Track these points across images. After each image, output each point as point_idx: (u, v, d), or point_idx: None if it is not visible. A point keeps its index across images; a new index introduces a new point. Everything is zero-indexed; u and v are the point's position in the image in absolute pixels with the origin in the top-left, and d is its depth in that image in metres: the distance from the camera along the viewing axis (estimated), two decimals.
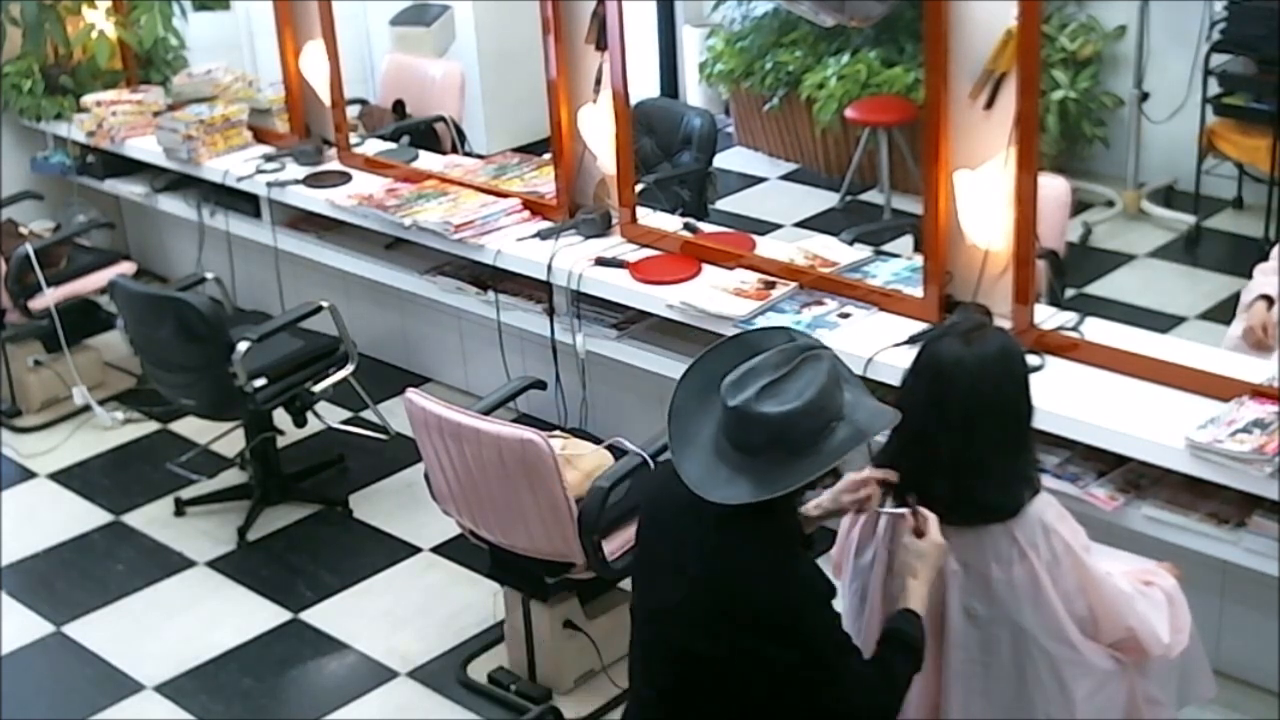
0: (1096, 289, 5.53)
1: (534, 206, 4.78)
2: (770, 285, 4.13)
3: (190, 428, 5.28)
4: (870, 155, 6.49)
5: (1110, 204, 6.17)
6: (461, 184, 4.98)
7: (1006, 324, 3.64)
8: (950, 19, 3.60)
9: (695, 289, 4.18)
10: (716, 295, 4.11)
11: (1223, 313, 4.60)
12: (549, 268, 4.45)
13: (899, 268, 4.10)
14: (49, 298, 5.30)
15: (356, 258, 5.18)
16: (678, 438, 2.65)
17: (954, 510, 2.69)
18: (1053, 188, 4.18)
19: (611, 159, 4.51)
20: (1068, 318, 3.73)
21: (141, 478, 5.07)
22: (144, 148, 5.78)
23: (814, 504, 2.85)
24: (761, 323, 3.95)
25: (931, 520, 2.68)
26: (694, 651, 2.63)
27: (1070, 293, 4.67)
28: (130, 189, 5.94)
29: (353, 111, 5.78)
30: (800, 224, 6.36)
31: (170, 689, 4.06)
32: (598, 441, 3.82)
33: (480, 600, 4.21)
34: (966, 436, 2.64)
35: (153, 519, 4.84)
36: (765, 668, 2.58)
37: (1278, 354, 3.60)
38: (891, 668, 2.66)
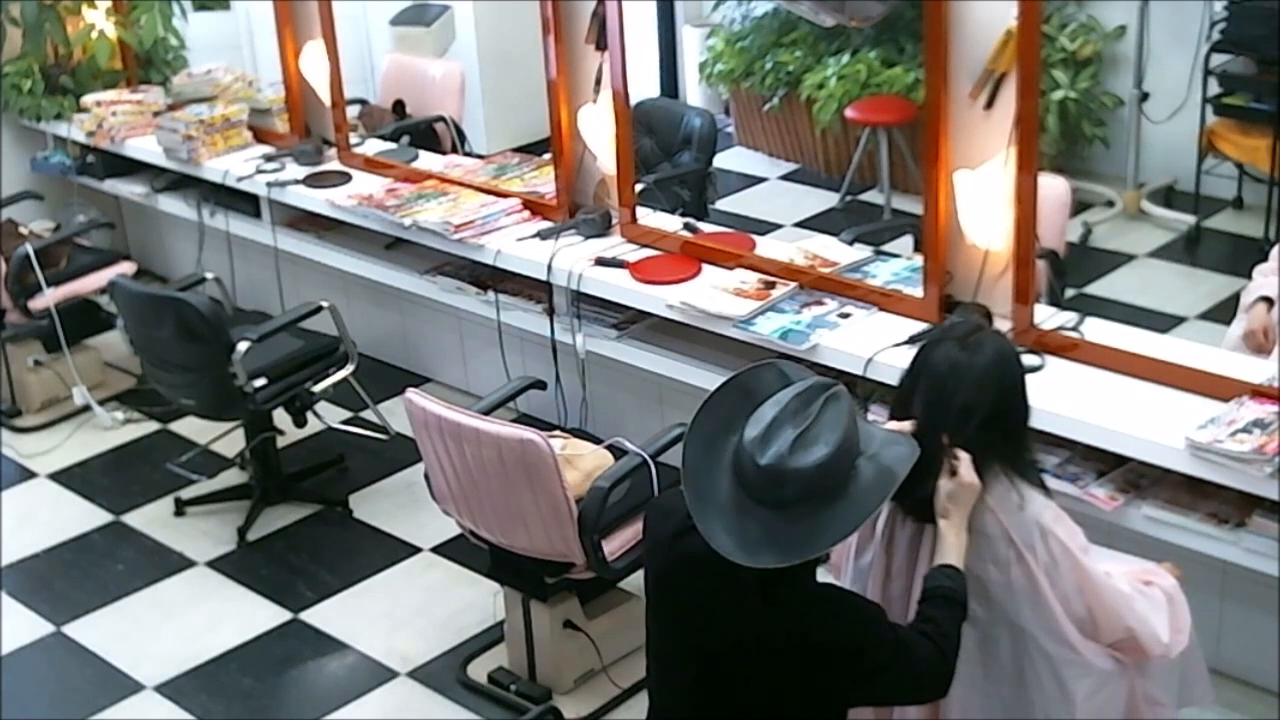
0: (1096, 289, 5.53)
1: (534, 206, 4.78)
2: (770, 285, 4.13)
3: (190, 428, 5.28)
4: (870, 155, 6.49)
5: (1110, 204, 6.17)
6: (461, 184, 4.98)
7: (1006, 324, 3.64)
8: (950, 19, 3.60)
9: (695, 289, 4.18)
10: (716, 295, 4.10)
11: (1223, 313, 4.60)
12: (549, 268, 4.45)
13: (899, 268, 4.10)
14: (49, 298, 5.30)
15: (356, 258, 5.18)
16: (697, 502, 2.49)
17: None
18: (1053, 188, 4.18)
19: (611, 159, 4.51)
20: (1068, 318, 3.73)
21: (141, 478, 5.07)
22: (144, 148, 5.78)
23: None
24: (761, 323, 3.95)
25: (964, 459, 2.63)
26: (743, 691, 2.60)
27: (1070, 293, 4.67)
28: (130, 189, 5.94)
29: (353, 111, 5.77)
30: (800, 224, 6.36)
31: (170, 689, 4.06)
32: (598, 441, 3.82)
33: (480, 600, 4.21)
34: (962, 440, 2.64)
35: (153, 519, 4.84)
36: (827, 690, 2.59)
37: (1278, 354, 3.60)
38: (940, 627, 2.61)
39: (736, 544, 2.45)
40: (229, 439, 5.03)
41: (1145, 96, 6.07)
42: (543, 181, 4.88)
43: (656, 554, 2.73)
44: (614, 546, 3.59)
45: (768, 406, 2.49)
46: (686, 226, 4.55)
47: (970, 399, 2.64)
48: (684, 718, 2.74)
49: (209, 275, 5.12)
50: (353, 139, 5.46)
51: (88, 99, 5.91)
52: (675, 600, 2.69)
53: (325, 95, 5.39)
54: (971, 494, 2.65)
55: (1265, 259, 3.91)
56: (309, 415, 4.74)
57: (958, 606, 2.63)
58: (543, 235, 4.59)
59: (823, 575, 2.71)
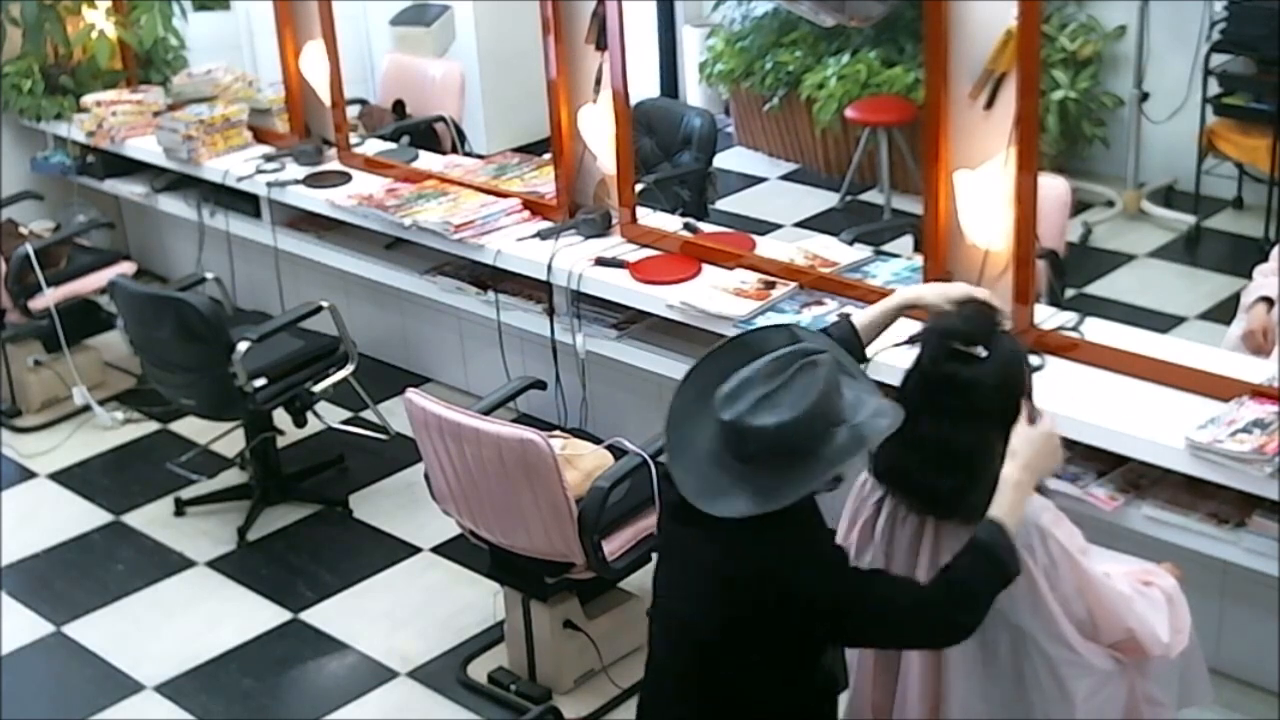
0: (1096, 289, 5.53)
1: (534, 206, 4.78)
2: (770, 285, 4.13)
3: (190, 428, 5.28)
4: (870, 155, 6.49)
5: (1110, 204, 6.17)
6: (461, 184, 4.98)
7: (1006, 324, 3.63)
8: (950, 19, 3.60)
9: (695, 289, 4.18)
10: (716, 295, 4.11)
11: (1223, 313, 4.60)
12: (549, 268, 4.45)
13: (899, 268, 4.10)
14: (49, 298, 5.30)
15: (356, 258, 5.18)
16: (675, 447, 2.64)
17: (942, 507, 2.69)
18: (1053, 188, 4.18)
19: (611, 159, 4.51)
20: (1068, 318, 3.73)
21: (141, 478, 5.07)
22: (144, 148, 5.78)
23: (916, 294, 2.98)
24: (761, 323, 3.94)
25: (1045, 413, 2.64)
26: (720, 642, 2.65)
27: (1070, 293, 4.67)
28: (130, 189, 5.94)
29: (353, 111, 5.78)
30: (800, 224, 6.36)
31: (170, 689, 4.06)
32: (598, 441, 3.82)
33: (480, 600, 4.21)
34: (965, 437, 2.64)
35: (153, 519, 4.84)
36: (799, 638, 2.62)
37: (1277, 354, 3.60)
38: (954, 574, 2.59)
39: (700, 489, 2.56)
40: (229, 439, 5.03)
41: (1145, 96, 6.07)
42: (543, 181, 4.88)
43: (663, 513, 2.81)
44: (614, 546, 3.59)
45: (749, 367, 2.57)
46: (686, 226, 4.55)
47: (975, 399, 2.64)
48: (662, 658, 2.84)
49: (209, 275, 5.12)
50: (353, 139, 5.46)
51: (88, 99, 5.91)
52: (665, 544, 2.80)
53: (325, 95, 5.39)
54: (1047, 447, 2.63)
55: (1265, 259, 3.91)
56: (309, 415, 4.74)
57: (985, 559, 2.56)
58: (543, 235, 4.59)
59: None
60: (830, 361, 2.59)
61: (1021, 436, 2.63)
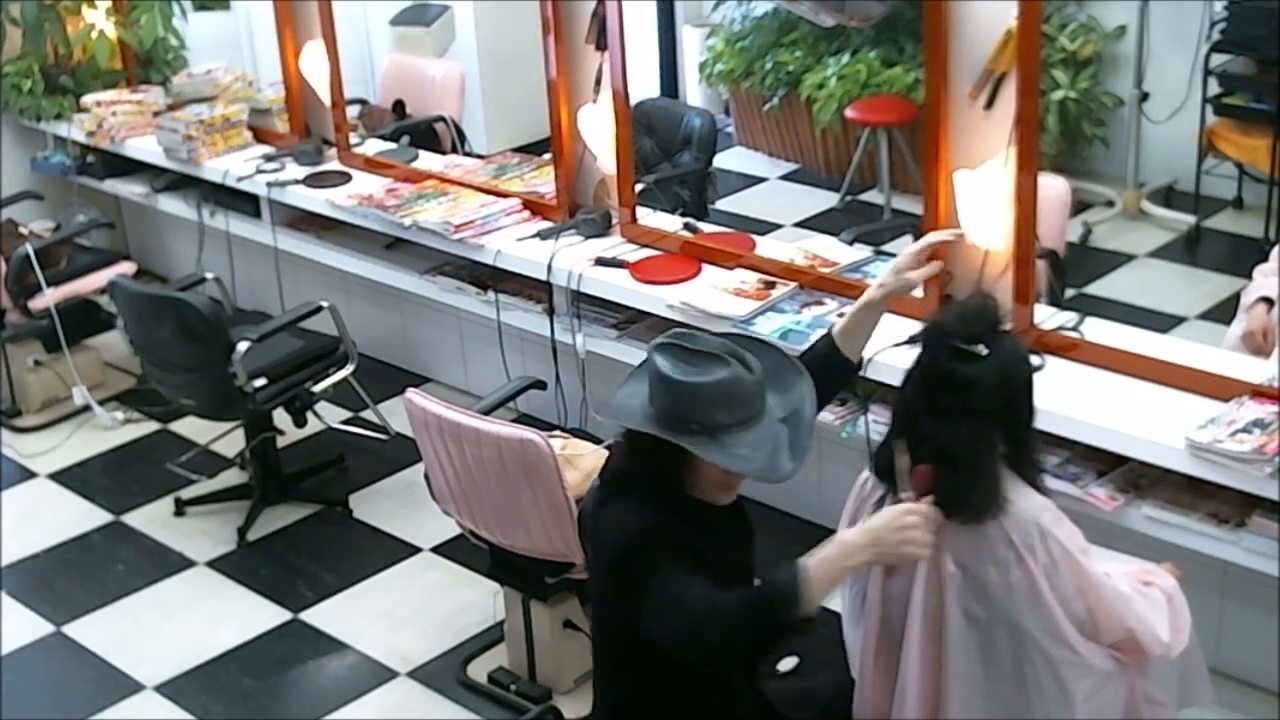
0: (1096, 289, 5.53)
1: (534, 206, 4.78)
2: (770, 285, 4.13)
3: (190, 428, 5.28)
4: (870, 155, 6.49)
5: (1110, 204, 6.17)
6: (461, 184, 4.98)
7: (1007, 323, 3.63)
8: (950, 19, 3.60)
9: (695, 289, 4.18)
10: (716, 295, 4.11)
11: (1223, 313, 4.60)
12: (549, 268, 4.45)
13: None
14: (49, 298, 5.30)
15: (356, 258, 5.18)
16: (637, 369, 2.79)
17: (942, 507, 2.69)
18: (1053, 188, 4.18)
19: (611, 159, 4.51)
20: (1068, 318, 3.73)
21: (141, 478, 5.07)
22: (144, 148, 5.78)
23: (877, 284, 3.00)
24: (761, 323, 3.95)
25: (917, 503, 2.59)
26: (603, 615, 2.82)
27: (1070, 293, 4.67)
28: (130, 189, 5.94)
29: (353, 111, 5.78)
30: (800, 224, 6.37)
31: (170, 689, 4.06)
32: (598, 441, 3.82)
33: (480, 600, 4.21)
34: (965, 437, 2.64)
35: (153, 519, 4.84)
36: (610, 608, 2.72)
37: (1278, 354, 3.60)
38: (723, 603, 2.54)
39: (612, 397, 2.79)
40: (229, 439, 5.03)
41: (1145, 96, 6.07)
42: (543, 181, 4.88)
43: None
44: None
45: (713, 338, 2.71)
46: (686, 226, 4.55)
47: (978, 398, 2.64)
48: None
49: (209, 275, 5.12)
50: (353, 139, 5.46)
51: (88, 99, 5.91)
52: None
53: (325, 95, 5.39)
54: (885, 519, 2.57)
55: (1265, 259, 3.91)
56: (309, 415, 4.74)
57: (763, 600, 2.53)
58: (543, 235, 4.59)
59: None
60: (741, 382, 2.62)
61: (880, 514, 2.61)
